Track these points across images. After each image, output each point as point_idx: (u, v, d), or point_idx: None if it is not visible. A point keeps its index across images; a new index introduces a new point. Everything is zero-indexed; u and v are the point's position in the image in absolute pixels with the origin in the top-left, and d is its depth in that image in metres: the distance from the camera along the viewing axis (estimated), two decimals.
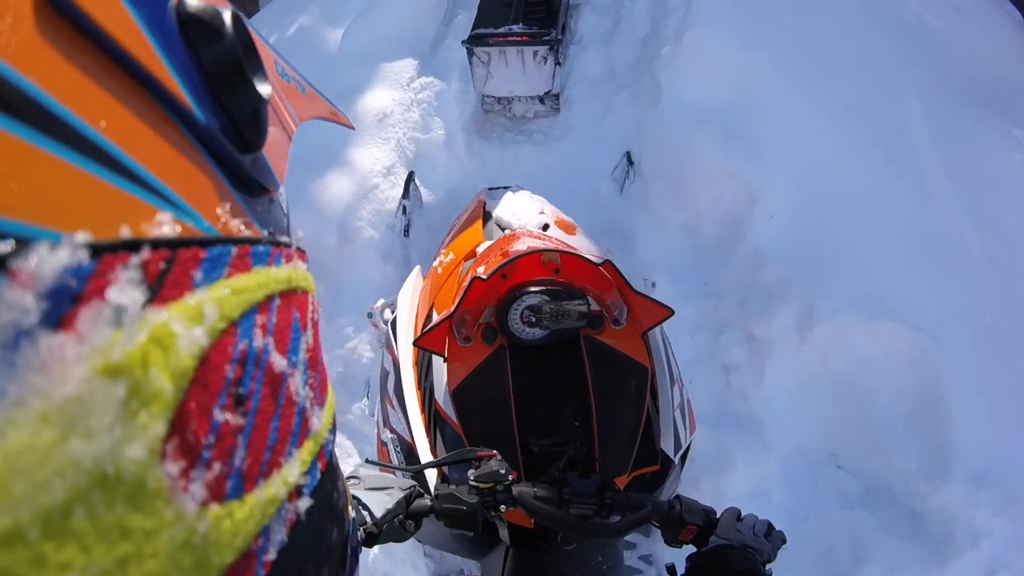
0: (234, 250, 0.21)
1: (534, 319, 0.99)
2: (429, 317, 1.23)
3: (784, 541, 0.81)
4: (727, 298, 2.22)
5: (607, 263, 0.97)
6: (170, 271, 0.18)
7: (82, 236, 0.16)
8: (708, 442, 1.97)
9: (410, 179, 2.48)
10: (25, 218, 0.15)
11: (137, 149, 0.19)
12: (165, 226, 0.19)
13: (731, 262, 2.29)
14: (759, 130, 2.40)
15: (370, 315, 1.79)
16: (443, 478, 1.03)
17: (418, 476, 1.03)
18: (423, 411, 1.12)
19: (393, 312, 1.38)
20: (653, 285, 2.14)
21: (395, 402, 1.17)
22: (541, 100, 2.75)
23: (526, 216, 1.41)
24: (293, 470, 0.24)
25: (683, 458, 1.10)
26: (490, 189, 1.61)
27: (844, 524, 1.95)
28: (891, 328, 2.03)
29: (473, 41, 2.54)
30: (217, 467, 0.19)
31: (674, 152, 2.46)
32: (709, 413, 2.06)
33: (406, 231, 2.46)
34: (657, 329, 1.09)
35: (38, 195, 0.15)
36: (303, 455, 0.25)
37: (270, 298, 0.23)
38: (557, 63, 2.57)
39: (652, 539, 1.35)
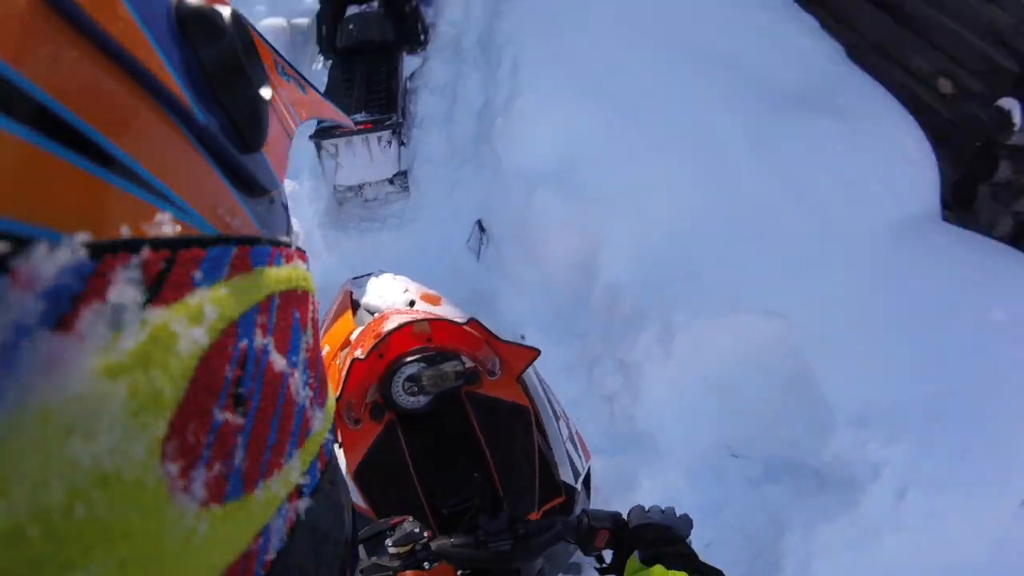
0: (234, 250, 0.21)
1: (415, 388, 1.03)
2: None
3: (691, 524, 0.86)
4: (592, 335, 2.43)
5: (472, 320, 1.03)
6: (170, 271, 0.18)
7: (82, 236, 0.16)
8: (609, 469, 2.08)
9: None
10: (25, 218, 0.15)
11: (137, 149, 0.19)
12: (165, 226, 0.19)
13: (589, 302, 2.49)
14: (593, 178, 2.63)
15: None
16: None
17: None
18: None
19: None
20: (523, 337, 2.24)
21: None
22: (391, 181, 2.88)
23: (392, 296, 1.46)
24: (293, 470, 0.24)
25: (586, 484, 1.16)
26: (354, 279, 1.65)
27: (756, 504, 2.12)
28: (743, 319, 2.26)
29: (320, 135, 2.61)
30: (217, 467, 0.19)
31: (521, 213, 2.67)
32: (604, 443, 2.19)
33: None
34: (532, 373, 1.15)
35: (38, 195, 0.15)
36: (303, 455, 0.25)
37: (270, 298, 0.23)
38: (401, 144, 2.75)
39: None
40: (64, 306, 0.15)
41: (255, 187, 0.27)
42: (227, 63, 0.23)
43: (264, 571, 0.22)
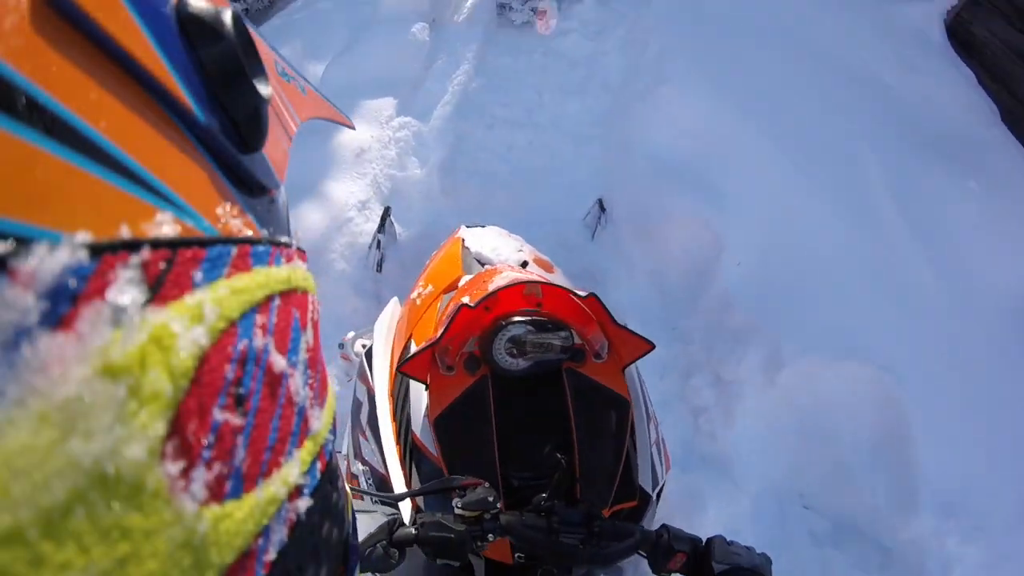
0: (234, 250, 0.21)
1: (516, 350, 1.00)
2: (407, 347, 1.21)
3: (771, 562, 0.82)
4: (695, 342, 2.31)
5: (592, 296, 0.99)
6: (170, 271, 0.18)
7: (82, 236, 0.16)
8: (678, 483, 2.00)
9: (386, 214, 2.50)
10: (25, 218, 0.15)
11: (137, 149, 0.19)
12: (165, 226, 0.19)
13: (699, 307, 2.39)
14: (724, 180, 2.55)
15: (341, 346, 1.76)
16: (417, 511, 1.00)
17: (393, 507, 1.01)
18: (398, 443, 1.10)
19: (365, 344, 1.35)
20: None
21: (368, 433, 1.15)
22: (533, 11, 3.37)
23: (505, 252, 1.43)
24: (293, 470, 0.24)
25: (658, 495, 1.10)
26: (467, 226, 1.63)
27: (814, 562, 2.00)
28: (855, 368, 2.13)
29: None
30: (217, 467, 0.19)
31: (644, 200, 2.59)
32: (678, 454, 2.09)
33: (379, 266, 2.45)
34: (633, 369, 1.10)
35: (38, 195, 0.15)
36: (303, 455, 0.25)
37: (270, 298, 0.23)
38: None
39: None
40: (64, 306, 0.15)
41: (255, 187, 0.27)
42: (227, 63, 0.24)
43: (264, 571, 0.22)
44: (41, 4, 0.17)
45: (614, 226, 2.64)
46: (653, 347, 0.99)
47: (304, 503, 0.25)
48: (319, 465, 0.27)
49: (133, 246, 0.17)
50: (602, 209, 2.66)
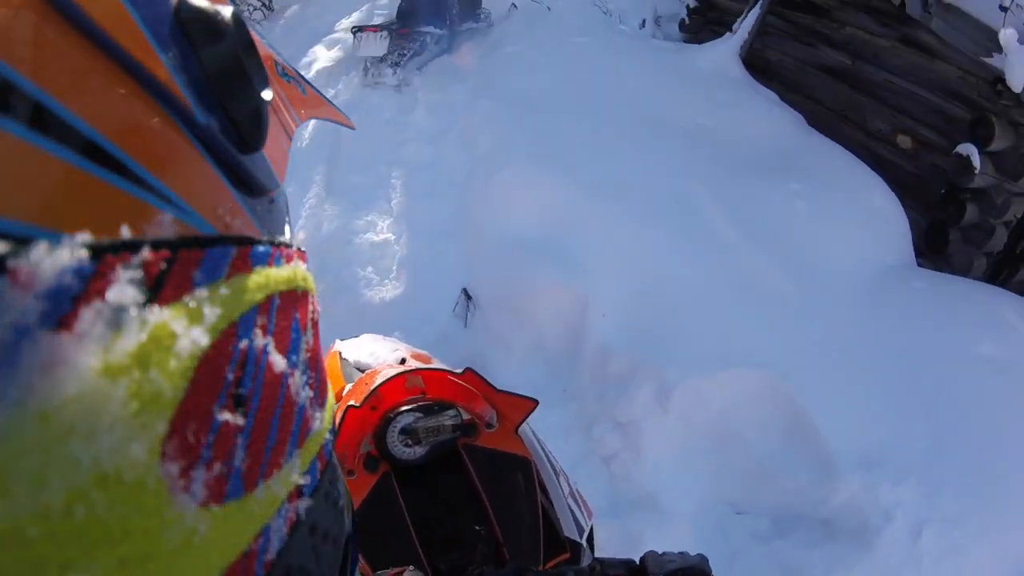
0: (234, 250, 0.21)
1: (410, 440, 1.02)
2: None
3: (707, 559, 0.83)
4: (586, 397, 2.46)
5: (468, 371, 1.03)
6: (170, 271, 0.18)
7: (82, 236, 0.16)
8: (613, 531, 2.05)
9: None
10: (25, 218, 0.15)
11: (137, 149, 0.19)
12: (165, 226, 0.19)
13: (580, 364, 2.56)
14: (578, 244, 2.89)
15: None
16: None
17: None
18: None
19: None
20: None
21: None
22: (382, 59, 4.55)
23: (382, 354, 1.46)
24: (293, 470, 0.24)
25: (590, 541, 1.13)
26: (342, 340, 1.65)
27: (767, 560, 2.07)
28: (737, 374, 2.28)
29: (355, 30, 4.69)
30: (217, 467, 0.19)
31: (507, 280, 2.77)
32: (603, 505, 2.16)
33: None
34: (528, 429, 1.14)
35: (38, 195, 0.16)
36: (303, 455, 0.25)
37: (270, 298, 0.23)
38: (389, 40, 4.50)
39: None
40: (64, 306, 0.15)
41: (255, 187, 0.27)
42: (228, 64, 0.24)
43: (264, 571, 0.22)
44: (41, 4, 0.17)
45: (483, 310, 2.79)
46: (537, 403, 1.02)
47: (304, 503, 0.25)
48: (319, 465, 0.27)
49: (133, 246, 0.17)
50: (468, 297, 2.82)
